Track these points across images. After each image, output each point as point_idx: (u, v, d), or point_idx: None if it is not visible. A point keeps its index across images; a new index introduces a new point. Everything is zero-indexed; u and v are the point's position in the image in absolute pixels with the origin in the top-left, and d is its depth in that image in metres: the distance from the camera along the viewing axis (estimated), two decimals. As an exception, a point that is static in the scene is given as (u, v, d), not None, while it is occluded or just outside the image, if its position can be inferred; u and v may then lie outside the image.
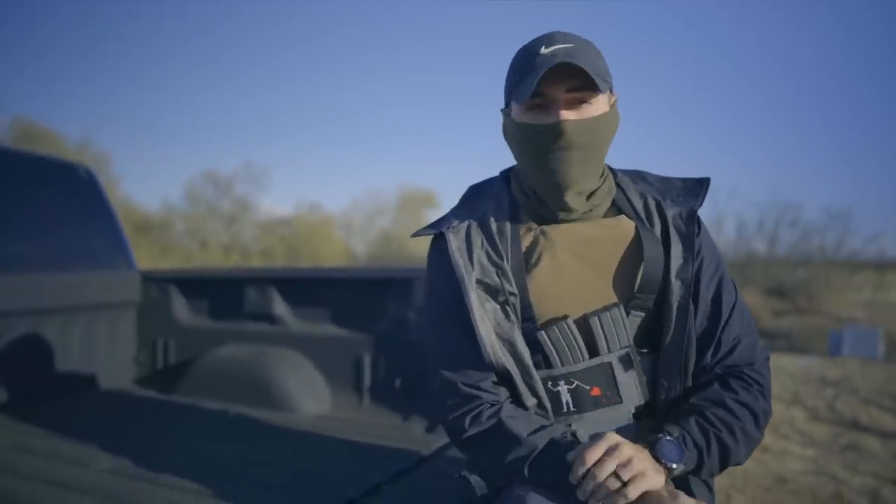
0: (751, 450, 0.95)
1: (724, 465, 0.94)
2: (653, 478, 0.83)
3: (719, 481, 3.06)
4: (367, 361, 2.16)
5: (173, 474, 1.54)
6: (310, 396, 2.20)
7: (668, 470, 0.86)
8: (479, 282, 0.97)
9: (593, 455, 0.82)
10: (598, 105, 0.94)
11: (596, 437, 0.86)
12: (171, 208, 17.98)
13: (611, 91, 0.98)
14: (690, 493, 0.94)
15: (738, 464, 0.95)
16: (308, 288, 2.38)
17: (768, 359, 1.01)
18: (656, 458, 0.86)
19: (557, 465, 0.87)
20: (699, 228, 1.01)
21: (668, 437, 0.89)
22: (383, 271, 2.36)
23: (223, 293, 2.54)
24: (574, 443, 0.90)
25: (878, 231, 15.51)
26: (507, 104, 1.00)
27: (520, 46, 0.98)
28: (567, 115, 0.91)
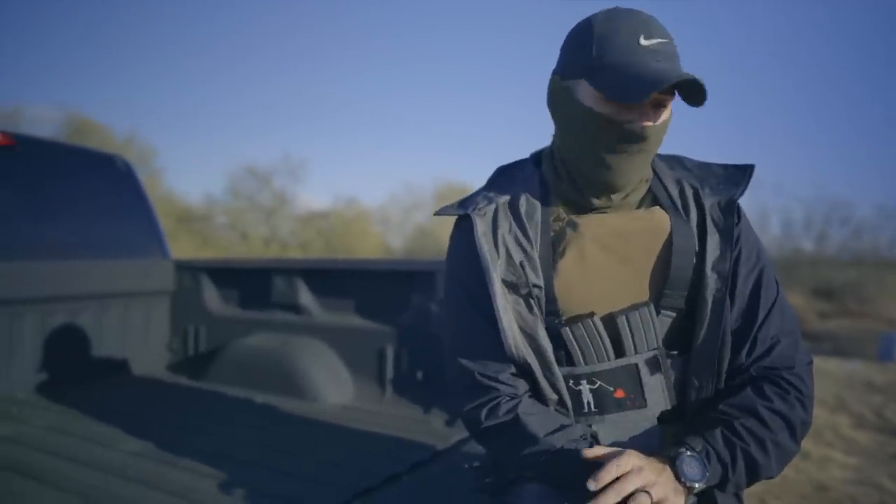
0: (784, 463, 0.88)
1: (752, 479, 0.87)
2: (672, 502, 0.79)
3: (753, 487, 2.95)
4: (390, 353, 2.16)
5: (196, 459, 1.58)
6: (333, 386, 2.21)
7: (689, 489, 0.81)
8: (503, 271, 0.91)
9: (615, 470, 0.77)
10: (670, 106, 0.86)
11: (618, 452, 0.81)
12: (212, 201, 18.48)
13: None
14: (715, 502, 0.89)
15: (770, 478, 0.88)
16: (334, 279, 2.39)
17: (811, 363, 0.92)
18: (676, 476, 0.81)
19: (572, 468, 0.83)
20: (739, 218, 0.93)
21: (690, 453, 0.83)
22: (408, 263, 2.36)
23: (252, 283, 2.59)
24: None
25: (936, 231, 14.73)
26: (570, 74, 0.88)
27: (555, 50, 0.90)
28: (651, 120, 0.84)
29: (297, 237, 18.43)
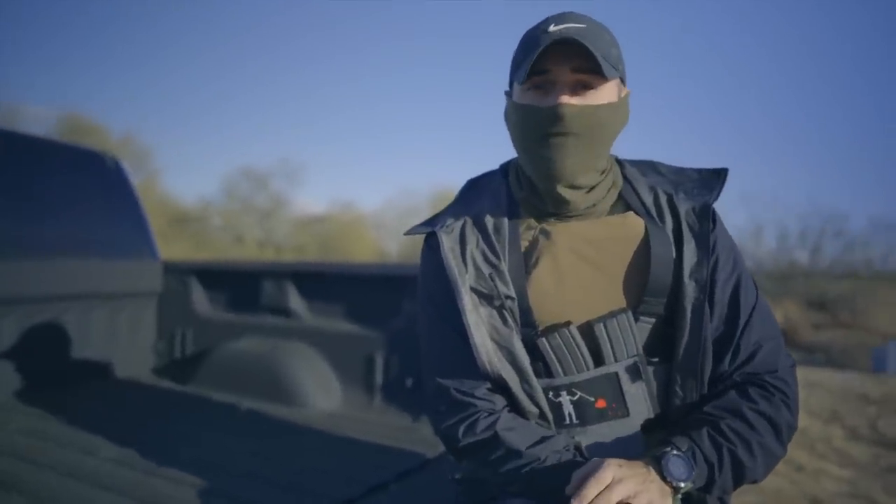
0: (770, 466, 0.86)
1: (738, 481, 0.85)
2: None
3: (746, 499, 2.92)
4: (379, 360, 2.13)
5: (178, 466, 1.53)
6: (321, 392, 2.17)
7: (675, 489, 0.79)
8: (472, 285, 0.90)
9: (595, 486, 0.74)
10: (605, 93, 0.86)
11: (597, 465, 0.77)
12: (208, 203, 18.42)
13: (622, 82, 0.90)
14: None
15: (756, 481, 0.86)
16: (324, 283, 2.36)
17: (794, 366, 0.91)
18: (662, 477, 0.78)
19: (556, 481, 0.81)
20: (714, 224, 0.92)
21: (676, 452, 0.81)
22: (398, 268, 2.32)
23: (241, 286, 2.54)
24: (576, 459, 0.84)
25: (929, 244, 14.82)
26: (511, 84, 0.93)
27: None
28: (568, 99, 0.84)
29: (292, 241, 18.38)
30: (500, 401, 0.90)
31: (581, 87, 0.85)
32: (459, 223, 0.95)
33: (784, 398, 0.87)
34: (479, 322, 0.89)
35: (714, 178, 0.95)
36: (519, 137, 0.91)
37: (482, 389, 0.90)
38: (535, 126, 0.86)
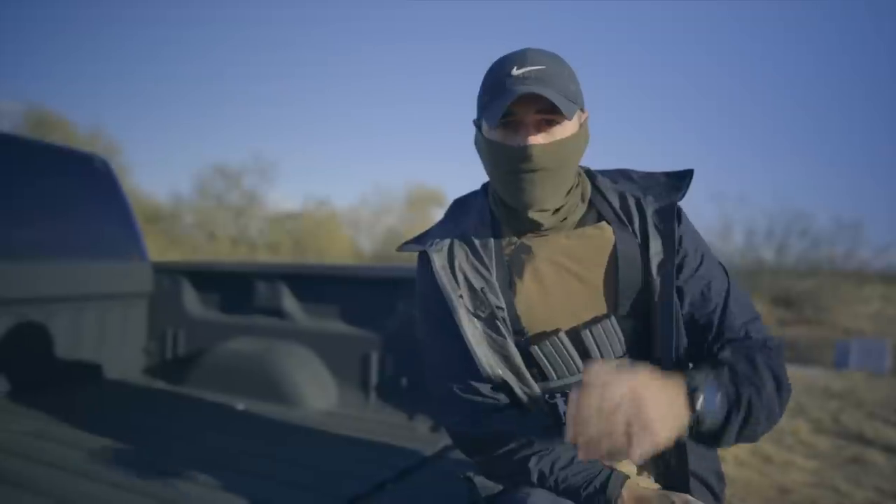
0: (770, 425, 0.86)
1: (741, 435, 0.84)
2: (663, 431, 0.70)
3: (721, 490, 3.06)
4: (374, 359, 2.18)
5: (176, 464, 1.57)
6: (317, 392, 2.21)
7: (699, 422, 0.77)
8: (465, 298, 0.97)
9: (586, 404, 0.70)
10: (567, 127, 0.92)
11: (591, 377, 0.73)
12: (180, 200, 18.07)
13: (581, 109, 0.96)
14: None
15: (752, 440, 0.86)
16: (318, 284, 2.40)
17: (781, 345, 0.95)
18: (691, 403, 0.76)
19: (564, 467, 0.89)
20: (680, 221, 0.99)
21: (711, 380, 0.80)
22: (393, 269, 2.38)
23: (233, 287, 2.57)
24: None
25: (888, 243, 15.43)
26: (479, 118, 0.98)
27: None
28: (534, 138, 0.90)
29: (266, 238, 18.17)
30: (503, 398, 0.98)
31: (545, 124, 0.91)
32: (447, 241, 1.02)
33: (781, 361, 0.90)
34: (475, 332, 0.96)
35: (679, 180, 1.01)
36: (491, 168, 0.98)
37: (486, 387, 0.97)
38: (506, 162, 0.93)
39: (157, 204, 16.88)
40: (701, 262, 0.97)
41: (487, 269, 0.98)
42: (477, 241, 1.01)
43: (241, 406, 2.17)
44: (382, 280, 2.26)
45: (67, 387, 2.33)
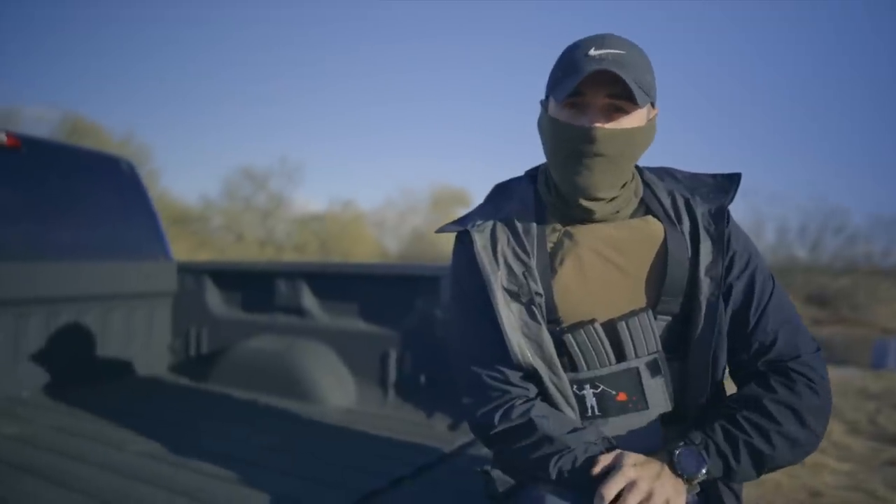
0: (798, 452, 0.90)
1: (760, 469, 0.90)
2: (674, 502, 0.82)
3: (748, 492, 2.98)
4: (393, 357, 2.18)
5: (201, 460, 1.59)
6: (336, 389, 2.23)
7: (688, 482, 0.85)
8: (504, 282, 0.96)
9: (611, 490, 0.81)
10: (635, 117, 0.91)
11: (617, 462, 0.84)
12: (209, 202, 18.43)
13: (652, 105, 0.95)
14: (720, 501, 0.94)
15: (783, 466, 0.91)
16: (337, 282, 2.41)
17: (818, 350, 0.95)
18: (674, 471, 0.85)
19: (585, 470, 0.87)
20: (729, 224, 0.98)
21: (688, 447, 0.87)
22: (411, 267, 2.38)
23: (255, 285, 2.60)
24: (603, 453, 0.89)
25: (928, 240, 14.87)
26: (547, 97, 0.97)
27: (564, 45, 0.96)
28: (601, 122, 0.89)
29: (292, 239, 18.41)
30: (532, 389, 0.96)
31: (613, 111, 0.90)
32: (490, 223, 1.01)
33: (808, 383, 0.90)
34: (510, 316, 0.94)
35: (728, 183, 1.01)
36: (551, 149, 0.97)
37: (516, 377, 0.96)
38: (568, 143, 0.92)
39: (187, 206, 17.24)
40: (746, 266, 0.97)
41: (528, 255, 0.97)
42: (519, 226, 0.99)
43: (260, 403, 2.20)
44: (401, 278, 2.26)
45: (95, 383, 2.39)
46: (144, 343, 2.66)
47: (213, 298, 2.71)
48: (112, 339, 2.53)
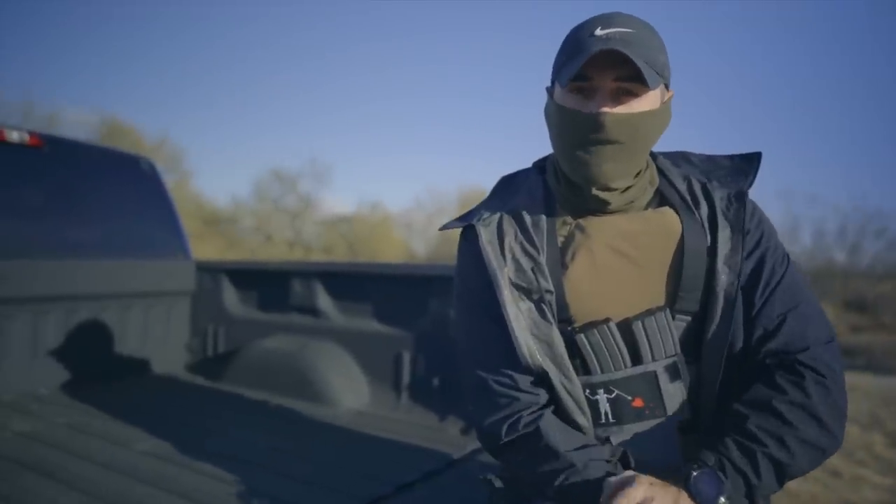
0: (817, 457, 0.82)
1: (782, 480, 0.81)
2: None
3: (781, 505, 2.85)
4: (406, 359, 2.14)
5: (210, 461, 1.57)
6: (349, 391, 2.19)
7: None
8: (512, 278, 0.89)
9: None
10: (647, 100, 0.84)
11: (629, 481, 0.76)
12: (239, 204, 18.74)
13: (666, 87, 0.88)
14: None
15: (803, 474, 0.83)
16: (352, 282, 2.38)
17: (832, 341, 0.86)
18: (692, 497, 0.76)
19: (590, 490, 0.80)
20: (747, 209, 0.90)
21: (702, 470, 0.78)
22: (425, 267, 2.33)
23: (271, 285, 2.59)
24: (613, 471, 0.82)
25: (976, 244, 14.20)
26: (553, 83, 0.90)
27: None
28: (609, 106, 0.82)
29: (321, 241, 18.58)
30: (543, 395, 0.89)
31: (623, 94, 0.83)
32: (496, 217, 0.94)
33: (819, 379, 0.82)
34: (518, 315, 0.88)
35: (747, 164, 0.94)
36: (558, 137, 0.90)
37: (526, 382, 0.89)
38: (576, 130, 0.85)
39: (217, 207, 17.55)
40: (756, 246, 0.90)
41: (537, 250, 0.90)
42: (527, 219, 0.92)
43: (272, 404, 2.17)
44: (416, 278, 2.21)
45: (112, 381, 2.40)
46: (162, 341, 2.67)
47: (231, 298, 2.71)
48: (130, 337, 2.54)
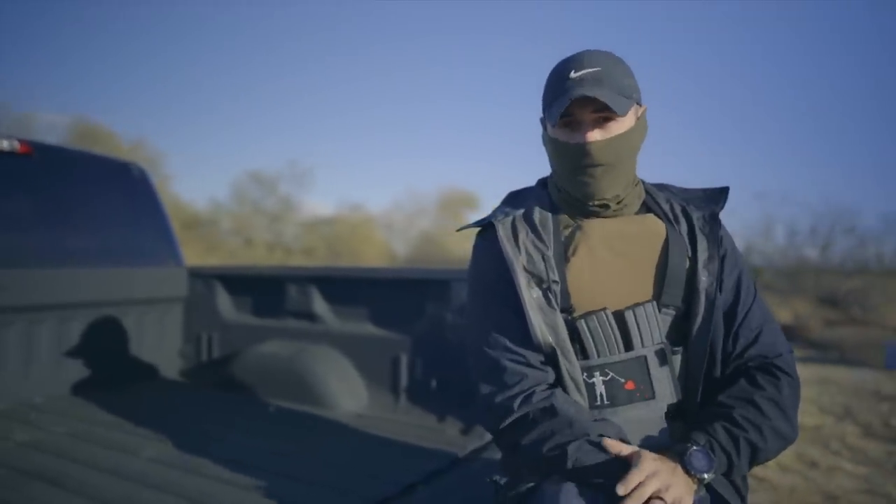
0: (782, 444, 0.98)
1: (752, 463, 0.97)
2: (686, 500, 0.86)
3: (760, 497, 2.95)
4: (404, 361, 2.18)
5: (211, 465, 1.60)
6: (347, 394, 2.23)
7: (700, 480, 0.90)
8: (525, 268, 1.01)
9: (637, 476, 0.85)
10: (625, 121, 1.00)
11: (638, 456, 0.88)
12: (218, 207, 18.51)
13: (638, 103, 1.03)
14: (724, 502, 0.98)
15: (768, 460, 0.99)
16: (348, 287, 2.41)
17: (792, 352, 1.04)
18: (686, 471, 0.89)
19: (602, 458, 0.90)
20: (722, 230, 1.07)
21: (697, 447, 0.92)
22: (421, 272, 2.38)
23: (266, 290, 2.60)
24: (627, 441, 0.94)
25: (941, 239, 14.70)
26: (542, 119, 1.08)
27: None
28: (593, 135, 0.98)
29: (301, 243, 18.45)
30: (551, 373, 1.01)
31: (603, 121, 0.99)
32: (510, 217, 1.08)
33: (790, 381, 1.00)
34: (531, 300, 1.00)
35: (718, 194, 1.11)
36: (555, 163, 1.08)
37: (537, 360, 1.00)
38: (568, 158, 1.02)
39: (196, 211, 17.33)
40: (735, 266, 1.06)
41: (545, 245, 1.04)
42: (536, 219, 1.07)
43: (271, 408, 2.20)
44: (411, 282, 2.25)
45: (107, 389, 2.40)
46: (156, 348, 2.67)
47: (224, 303, 2.72)
48: (123, 344, 2.54)
